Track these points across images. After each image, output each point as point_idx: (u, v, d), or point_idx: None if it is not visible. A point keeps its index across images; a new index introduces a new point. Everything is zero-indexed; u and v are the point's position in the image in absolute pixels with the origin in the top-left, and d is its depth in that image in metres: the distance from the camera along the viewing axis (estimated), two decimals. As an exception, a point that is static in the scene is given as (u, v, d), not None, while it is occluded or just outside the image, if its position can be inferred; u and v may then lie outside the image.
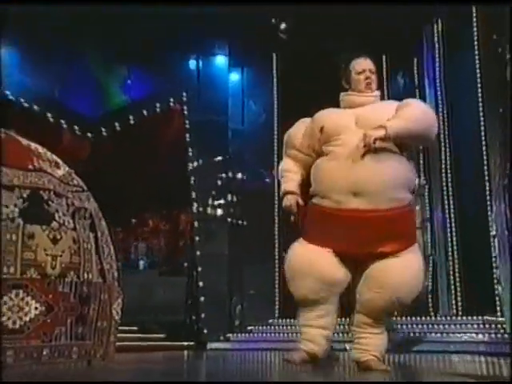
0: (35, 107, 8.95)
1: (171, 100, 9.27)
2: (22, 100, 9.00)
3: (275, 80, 9.78)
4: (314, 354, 3.28)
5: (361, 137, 3.23)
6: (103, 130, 9.23)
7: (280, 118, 9.55)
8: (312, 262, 3.31)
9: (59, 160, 4.29)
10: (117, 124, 9.17)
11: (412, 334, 7.61)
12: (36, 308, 3.63)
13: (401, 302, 3.30)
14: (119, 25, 9.08)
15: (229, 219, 9.21)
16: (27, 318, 3.60)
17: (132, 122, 9.28)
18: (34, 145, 4.26)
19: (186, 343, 8.56)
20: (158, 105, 9.29)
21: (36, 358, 3.62)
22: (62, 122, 8.95)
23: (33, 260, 3.69)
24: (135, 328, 8.70)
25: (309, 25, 9.48)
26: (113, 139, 9.28)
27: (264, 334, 8.70)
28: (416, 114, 3.35)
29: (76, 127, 9.07)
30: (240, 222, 9.28)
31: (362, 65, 3.60)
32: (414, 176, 3.46)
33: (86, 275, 3.92)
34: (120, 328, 8.65)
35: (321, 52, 9.50)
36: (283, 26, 9.81)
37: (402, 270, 3.26)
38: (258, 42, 9.54)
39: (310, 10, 9.10)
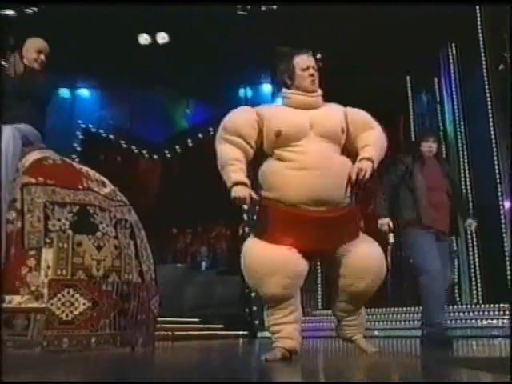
0: (111, 136, 9.30)
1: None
2: (101, 131, 9.38)
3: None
4: (293, 349, 2.95)
5: (323, 146, 2.96)
6: (167, 152, 9.46)
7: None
8: (279, 258, 2.90)
9: (105, 180, 4.50)
10: (177, 147, 9.41)
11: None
12: (84, 304, 3.81)
13: (381, 281, 3.11)
14: (181, 63, 9.32)
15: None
16: (77, 312, 3.78)
17: (190, 144, 9.49)
18: (85, 168, 4.48)
19: (240, 333, 8.66)
20: (211, 129, 9.49)
21: (85, 344, 3.80)
22: (133, 147, 9.25)
23: (81, 264, 3.88)
24: (198, 320, 8.90)
25: (339, 51, 9.47)
26: (175, 160, 9.51)
27: (309, 324, 8.70)
28: (383, 140, 3.14)
29: (144, 151, 9.36)
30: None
31: (306, 61, 3.20)
32: None
33: (126, 276, 4.07)
34: (185, 320, 8.92)
35: (351, 74, 9.47)
36: (319, 55, 9.81)
37: (374, 250, 3.10)
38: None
39: (340, 37, 9.14)
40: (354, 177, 2.89)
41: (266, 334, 8.34)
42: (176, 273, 9.42)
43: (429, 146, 4.92)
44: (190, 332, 8.33)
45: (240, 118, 3.11)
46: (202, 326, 8.74)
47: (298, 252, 2.94)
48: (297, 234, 2.93)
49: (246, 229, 9.11)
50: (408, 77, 9.49)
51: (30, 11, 8.50)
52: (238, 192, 2.87)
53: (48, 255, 3.79)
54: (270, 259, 2.90)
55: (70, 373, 2.74)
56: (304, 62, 3.18)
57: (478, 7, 7.56)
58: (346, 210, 3.01)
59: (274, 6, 8.44)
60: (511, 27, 5.78)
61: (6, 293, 3.69)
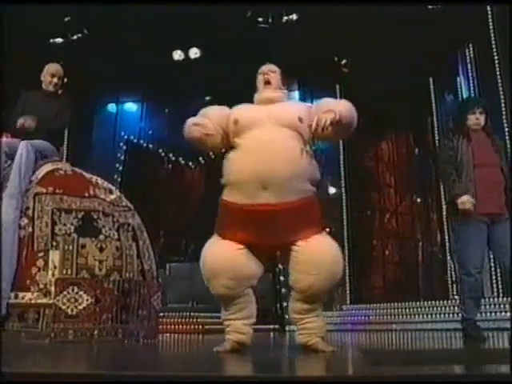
0: (150, 145, 9.66)
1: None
2: (142, 141, 9.76)
3: (339, 107, 9.77)
4: (242, 341, 2.96)
5: (271, 130, 2.92)
6: (200, 158, 9.73)
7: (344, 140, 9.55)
8: (224, 260, 2.91)
9: (112, 187, 4.78)
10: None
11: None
12: (87, 300, 4.07)
13: (335, 279, 2.93)
14: (213, 75, 9.55)
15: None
16: (81, 307, 4.05)
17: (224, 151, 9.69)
18: (94, 177, 4.77)
19: (271, 326, 8.76)
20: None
21: (89, 336, 4.06)
22: (171, 155, 9.58)
23: (84, 264, 4.15)
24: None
25: (363, 56, 9.43)
26: (207, 166, 9.76)
27: (338, 318, 8.74)
28: (350, 106, 3.06)
29: (180, 158, 9.67)
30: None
31: (264, 68, 3.30)
32: (317, 171, 3.05)
33: (127, 275, 4.31)
34: (218, 314, 9.10)
35: (376, 78, 9.42)
36: (344, 61, 9.83)
37: (329, 249, 2.93)
38: (323, 76, 9.63)
39: (364, 42, 9.10)
40: (314, 125, 2.89)
41: (295, 327, 8.47)
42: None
43: (476, 119, 4.33)
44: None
45: (212, 107, 3.23)
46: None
47: (247, 253, 2.93)
48: (243, 229, 2.91)
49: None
50: (431, 78, 9.34)
51: (76, 37, 8.96)
52: (191, 130, 3.03)
53: (55, 256, 4.08)
54: (217, 261, 2.93)
55: (75, 361, 2.86)
56: (262, 69, 3.31)
57: (488, 7, 7.38)
58: (300, 202, 2.88)
59: (294, 17, 8.51)
60: (511, 28, 5.63)
61: (19, 290, 4.01)
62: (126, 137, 9.88)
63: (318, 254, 2.87)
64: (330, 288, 2.99)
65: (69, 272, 4.09)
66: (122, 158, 9.60)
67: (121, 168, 9.39)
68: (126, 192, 9.49)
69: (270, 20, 8.45)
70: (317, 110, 3.05)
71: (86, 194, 4.44)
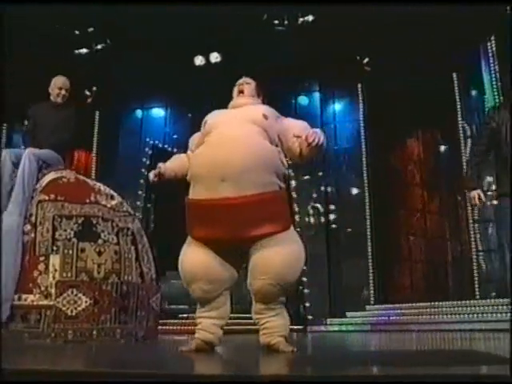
0: (175, 150, 9.90)
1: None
2: (166, 146, 10.03)
3: (361, 105, 9.79)
4: (209, 341, 3.04)
5: (235, 126, 3.03)
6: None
7: (367, 137, 9.56)
8: (201, 266, 3.00)
9: (114, 193, 4.99)
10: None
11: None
12: (86, 301, 4.28)
13: (286, 283, 2.94)
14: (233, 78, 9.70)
15: (326, 224, 9.36)
16: (80, 308, 4.26)
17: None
18: (98, 184, 5.00)
19: (295, 327, 8.84)
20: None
21: (88, 336, 4.27)
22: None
23: (84, 267, 4.37)
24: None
25: (386, 53, 9.38)
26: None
27: (360, 318, 8.74)
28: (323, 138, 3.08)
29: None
30: (335, 226, 9.39)
31: (240, 80, 3.44)
32: (281, 164, 3.03)
33: (126, 277, 4.51)
34: (242, 315, 9.24)
35: (399, 76, 9.36)
36: (366, 59, 9.79)
37: (281, 254, 2.90)
38: (344, 76, 9.65)
39: (386, 40, 9.06)
40: (303, 138, 2.99)
41: (318, 328, 8.55)
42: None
43: None
44: (247, 327, 8.66)
45: (195, 134, 3.39)
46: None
47: (220, 257, 2.99)
48: (206, 225, 2.97)
49: (298, 229, 9.33)
50: (455, 74, 9.20)
51: (100, 46, 9.30)
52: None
53: (55, 260, 4.31)
54: (194, 267, 3.03)
55: (74, 359, 3.01)
56: (239, 81, 3.44)
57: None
58: (261, 196, 2.88)
59: (310, 18, 8.57)
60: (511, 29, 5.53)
61: (22, 292, 4.26)
62: (151, 142, 10.18)
63: (266, 259, 2.90)
64: (281, 290, 2.97)
65: (68, 275, 4.31)
66: (148, 162, 9.89)
67: (146, 173, 9.69)
68: (152, 196, 9.84)
69: (285, 22, 8.52)
70: (294, 128, 3.17)
71: (87, 201, 4.66)
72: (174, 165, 3.30)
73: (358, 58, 9.74)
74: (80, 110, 5.26)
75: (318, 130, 3.07)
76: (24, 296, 4.25)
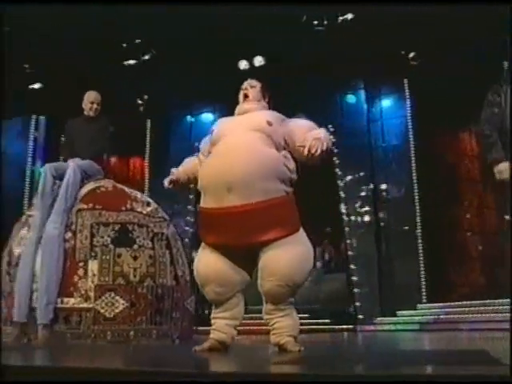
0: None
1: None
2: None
3: (408, 101, 9.65)
4: (223, 341, 3.15)
5: (243, 135, 3.10)
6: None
7: (415, 133, 9.41)
8: (212, 270, 3.14)
9: (150, 200, 5.23)
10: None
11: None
12: (123, 304, 4.55)
13: (294, 284, 3.02)
14: (278, 81, 9.82)
15: (375, 223, 9.30)
16: (117, 311, 4.54)
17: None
18: (134, 192, 5.26)
19: (345, 326, 8.87)
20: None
21: (125, 336, 4.53)
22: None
23: (120, 272, 4.63)
24: (307, 315, 9.32)
25: (433, 46, 9.20)
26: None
27: (411, 317, 8.63)
28: (327, 134, 3.13)
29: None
30: (384, 224, 9.31)
31: (244, 84, 3.50)
32: (287, 169, 3.09)
33: (160, 280, 4.74)
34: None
35: (445, 68, 9.16)
36: (412, 54, 9.64)
37: (288, 255, 2.99)
38: (389, 72, 9.56)
39: (432, 33, 8.90)
40: (306, 151, 2.99)
41: (368, 327, 8.53)
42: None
43: None
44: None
45: (204, 140, 3.49)
46: (310, 320, 9.12)
47: (230, 261, 3.11)
48: (216, 232, 3.09)
49: (347, 228, 9.35)
50: (506, 63, 8.88)
51: (147, 57, 9.66)
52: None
53: (93, 265, 4.60)
54: (207, 271, 3.17)
55: (113, 359, 3.21)
56: (243, 85, 3.51)
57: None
58: (261, 203, 2.97)
59: (349, 16, 8.55)
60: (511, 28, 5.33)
61: (64, 296, 4.56)
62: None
63: (274, 261, 3.00)
64: (290, 291, 3.05)
65: (106, 279, 4.58)
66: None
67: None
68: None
69: (325, 22, 8.55)
70: (299, 131, 3.17)
71: (123, 208, 4.92)
72: (186, 168, 3.46)
73: (402, 52, 9.60)
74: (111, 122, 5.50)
75: (321, 135, 3.07)
76: (66, 299, 4.54)
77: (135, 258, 4.71)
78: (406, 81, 9.79)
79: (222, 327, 3.20)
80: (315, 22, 8.58)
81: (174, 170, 3.49)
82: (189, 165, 3.45)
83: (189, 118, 11.02)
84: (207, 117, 11.01)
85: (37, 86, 9.90)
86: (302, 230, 3.16)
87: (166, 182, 3.45)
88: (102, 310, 4.52)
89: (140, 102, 10.95)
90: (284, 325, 3.10)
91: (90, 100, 5.36)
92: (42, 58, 9.41)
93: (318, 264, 10.46)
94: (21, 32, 8.64)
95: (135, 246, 4.75)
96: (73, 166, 4.97)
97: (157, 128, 11.00)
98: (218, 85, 10.04)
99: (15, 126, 10.42)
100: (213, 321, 3.25)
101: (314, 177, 9.90)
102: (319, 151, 2.98)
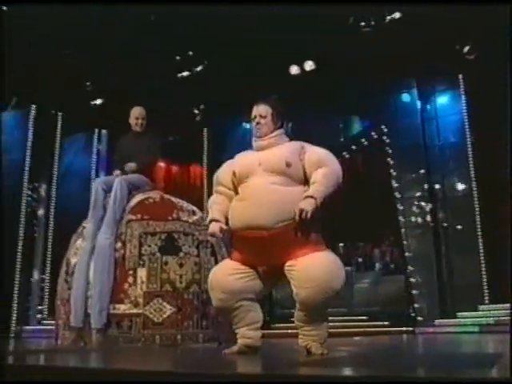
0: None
1: (373, 133, 9.73)
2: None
3: (464, 97, 9.42)
4: (249, 345, 3.37)
5: (263, 180, 3.29)
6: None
7: (472, 129, 9.18)
8: (219, 278, 3.41)
9: (196, 209, 5.46)
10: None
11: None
12: (170, 309, 4.81)
13: (332, 290, 3.14)
14: (329, 84, 9.89)
15: (433, 223, 9.14)
16: (165, 316, 4.79)
17: (347, 156, 9.98)
18: (181, 201, 5.51)
19: (404, 328, 8.78)
20: (363, 140, 9.86)
21: (173, 340, 4.78)
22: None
23: (167, 278, 4.89)
24: (365, 317, 9.31)
25: (489, 38, 8.95)
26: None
27: (472, 319, 8.43)
28: (333, 180, 3.30)
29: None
30: (442, 223, 9.13)
31: (255, 111, 3.54)
32: None
33: (205, 286, 4.89)
34: (353, 318, 9.37)
35: (502, 60, 8.88)
36: (467, 48, 9.40)
37: (321, 262, 3.17)
38: (443, 68, 9.39)
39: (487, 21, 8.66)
40: (297, 218, 3.16)
41: (426, 329, 8.42)
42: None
43: None
44: (359, 329, 8.77)
45: (221, 170, 3.65)
46: (369, 323, 9.11)
47: (241, 272, 3.35)
48: (244, 252, 3.38)
49: (403, 230, 9.26)
50: None
51: (200, 67, 9.97)
52: (210, 227, 3.47)
53: (142, 273, 4.88)
54: (214, 277, 3.47)
55: (164, 362, 3.42)
56: (253, 112, 3.56)
57: None
58: (281, 229, 3.18)
59: (397, 15, 8.48)
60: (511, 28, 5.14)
61: (116, 302, 4.86)
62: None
63: (309, 269, 3.14)
64: (325, 299, 3.17)
65: (154, 286, 4.85)
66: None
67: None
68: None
69: (372, 23, 8.52)
70: (308, 163, 3.35)
71: (170, 218, 5.17)
72: (223, 211, 3.48)
73: (457, 47, 9.39)
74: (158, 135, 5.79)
75: (303, 205, 3.18)
76: (117, 306, 4.84)
77: (181, 265, 4.95)
78: (460, 76, 9.56)
79: (244, 333, 3.42)
80: (362, 24, 8.57)
81: (216, 216, 3.48)
82: (223, 206, 3.51)
83: (244, 124, 11.24)
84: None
85: (98, 101, 10.41)
86: (326, 250, 3.31)
87: (216, 231, 3.44)
88: (151, 316, 4.78)
89: (196, 111, 11.28)
90: (313, 333, 3.29)
91: (136, 116, 5.67)
92: (102, 76, 9.91)
93: (377, 266, 10.41)
94: (85, 53, 9.18)
95: (181, 254, 4.99)
96: (119, 180, 5.28)
97: (213, 136, 11.31)
98: (271, 90, 10.21)
99: (79, 140, 11.04)
100: (236, 330, 3.47)
101: (370, 179, 9.92)
102: (309, 215, 3.14)
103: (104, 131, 11.15)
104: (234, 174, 3.45)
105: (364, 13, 8.55)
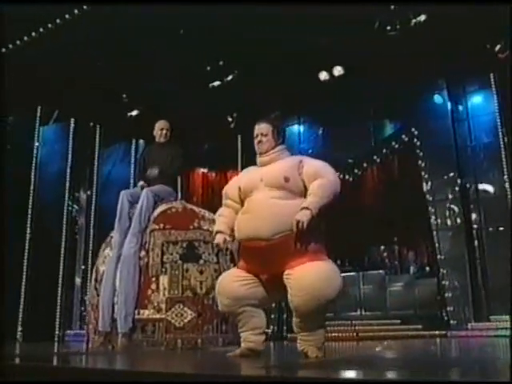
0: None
1: (403, 136, 9.76)
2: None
3: (495, 96, 9.32)
4: (251, 348, 3.60)
5: (264, 194, 3.52)
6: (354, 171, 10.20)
7: (505, 130, 9.08)
8: (224, 284, 3.69)
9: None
10: (364, 164, 10.10)
11: None
12: (191, 314, 5.08)
13: (325, 298, 3.33)
14: (358, 88, 9.99)
15: (465, 225, 9.08)
16: (186, 320, 5.07)
17: (378, 160, 10.06)
18: (203, 211, 5.77)
19: (437, 332, 8.76)
20: (393, 143, 9.91)
21: (194, 344, 5.04)
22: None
23: (188, 285, 5.17)
24: (399, 321, 9.35)
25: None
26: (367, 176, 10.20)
27: (506, 323, 8.32)
28: (329, 190, 3.50)
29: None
30: (475, 225, 9.07)
31: (256, 130, 3.81)
32: None
33: (224, 292, 5.19)
34: (387, 321, 9.42)
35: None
36: (498, 46, 9.31)
37: (315, 271, 3.35)
38: (473, 68, 9.33)
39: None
40: (294, 229, 3.37)
41: (460, 333, 8.40)
42: (378, 278, 10.06)
43: None
44: (390, 333, 8.83)
45: (229, 184, 3.95)
46: (402, 326, 9.14)
47: (245, 280, 3.60)
48: (247, 261, 3.65)
49: (435, 232, 9.26)
50: None
51: (230, 77, 10.24)
52: (216, 239, 3.75)
53: (164, 280, 5.18)
54: (221, 283, 3.75)
55: (185, 364, 3.72)
56: (255, 131, 3.83)
57: None
58: (276, 240, 3.42)
59: (423, 18, 8.51)
60: None
61: (140, 308, 5.17)
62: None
63: (303, 278, 3.35)
64: (318, 306, 3.36)
65: (175, 292, 5.14)
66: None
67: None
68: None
69: (397, 26, 8.58)
70: (305, 176, 3.58)
71: (191, 227, 5.45)
72: (229, 223, 3.74)
73: (487, 46, 9.31)
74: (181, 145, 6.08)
75: (299, 216, 3.40)
76: (141, 311, 5.15)
77: (201, 272, 5.22)
78: (491, 75, 9.48)
79: (247, 337, 3.67)
80: (388, 28, 8.63)
81: (221, 228, 3.76)
82: (228, 219, 3.77)
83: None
84: (294, 128, 11.38)
85: (134, 112, 10.84)
86: (326, 260, 3.51)
87: (220, 242, 3.72)
88: (173, 320, 5.07)
89: (230, 119, 11.57)
90: (310, 339, 3.49)
91: (160, 127, 5.98)
92: (137, 87, 10.32)
93: (412, 269, 10.41)
94: (120, 65, 9.60)
95: (201, 261, 5.27)
96: (145, 191, 5.59)
97: (247, 143, 11.55)
98: (301, 97, 10.40)
99: (117, 150, 11.50)
100: (240, 334, 3.73)
101: (402, 182, 9.93)
102: (305, 225, 3.36)
103: (141, 141, 11.56)
104: (239, 189, 3.73)
105: (389, 17, 8.60)
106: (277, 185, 3.55)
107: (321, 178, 3.54)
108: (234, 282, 3.64)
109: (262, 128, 3.79)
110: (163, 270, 5.21)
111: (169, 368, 3.42)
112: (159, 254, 5.27)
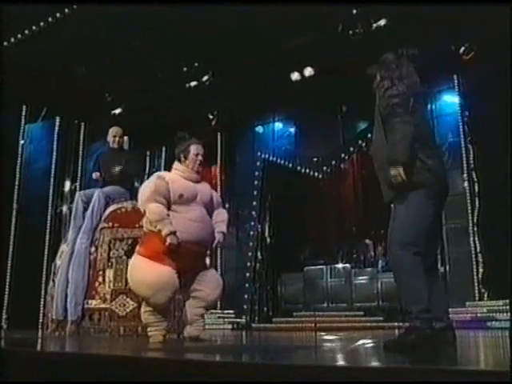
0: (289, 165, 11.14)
1: (369, 135, 10.28)
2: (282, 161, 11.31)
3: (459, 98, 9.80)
4: (163, 336, 4.41)
5: (201, 209, 4.43)
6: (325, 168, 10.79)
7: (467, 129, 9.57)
8: (165, 279, 4.19)
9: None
10: (333, 162, 10.69)
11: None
12: (132, 304, 5.72)
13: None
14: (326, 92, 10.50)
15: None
16: (128, 310, 5.73)
17: (347, 158, 10.61)
18: (150, 210, 6.41)
19: (396, 324, 9.30)
20: (360, 141, 10.46)
21: (134, 331, 5.71)
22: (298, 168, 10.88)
23: (131, 278, 5.82)
24: (362, 313, 9.96)
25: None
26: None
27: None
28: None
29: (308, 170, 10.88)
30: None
31: (199, 149, 4.44)
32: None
33: (164, 284, 5.84)
34: (352, 313, 9.98)
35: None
36: (463, 49, 9.74)
37: (215, 277, 4.67)
38: (439, 69, 9.78)
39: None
40: (216, 242, 4.53)
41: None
42: (344, 272, 10.66)
43: None
44: (354, 324, 9.42)
45: (160, 183, 4.30)
46: (365, 318, 9.75)
47: (175, 272, 4.20)
48: (175, 260, 4.23)
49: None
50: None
51: (206, 78, 10.82)
52: (172, 239, 4.17)
53: (110, 273, 5.84)
54: (163, 277, 4.15)
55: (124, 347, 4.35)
56: (196, 149, 4.47)
57: None
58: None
59: (382, 22, 8.99)
60: (511, 28, 5.59)
61: (89, 298, 5.85)
62: (262, 156, 11.47)
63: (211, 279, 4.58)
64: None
65: (119, 284, 5.79)
66: (260, 174, 11.24)
67: (256, 183, 11.10)
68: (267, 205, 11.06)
69: (359, 30, 9.04)
70: (220, 214, 4.68)
71: (136, 225, 6.04)
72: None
73: (452, 48, 9.74)
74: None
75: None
76: (90, 301, 5.83)
77: (143, 267, 5.86)
78: (455, 77, 9.94)
79: (160, 325, 4.48)
80: (350, 32, 9.11)
81: (171, 228, 4.22)
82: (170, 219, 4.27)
83: (252, 129, 12.03)
84: (268, 126, 11.95)
85: (117, 111, 11.50)
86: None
87: (175, 243, 4.19)
88: (117, 310, 5.73)
89: (211, 116, 12.18)
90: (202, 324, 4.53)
91: (113, 134, 6.63)
92: (119, 86, 10.94)
93: (380, 263, 10.95)
94: (104, 66, 10.20)
95: (143, 257, 5.90)
96: (97, 193, 6.25)
97: (226, 140, 12.16)
98: (276, 96, 10.97)
99: (101, 147, 12.16)
100: (155, 324, 4.49)
101: (371, 180, 10.44)
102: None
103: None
104: (180, 195, 4.32)
105: (351, 20, 9.07)
106: (206, 203, 4.61)
107: (221, 208, 4.89)
108: (175, 275, 4.21)
109: (200, 149, 4.52)
110: (109, 264, 5.88)
111: (112, 351, 4.06)
112: (106, 250, 5.94)
